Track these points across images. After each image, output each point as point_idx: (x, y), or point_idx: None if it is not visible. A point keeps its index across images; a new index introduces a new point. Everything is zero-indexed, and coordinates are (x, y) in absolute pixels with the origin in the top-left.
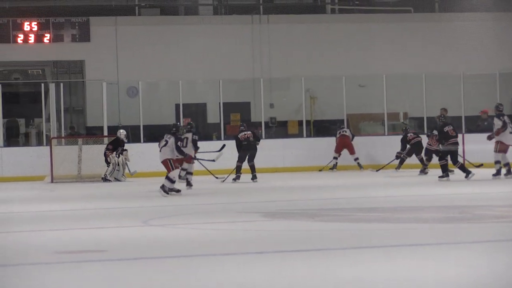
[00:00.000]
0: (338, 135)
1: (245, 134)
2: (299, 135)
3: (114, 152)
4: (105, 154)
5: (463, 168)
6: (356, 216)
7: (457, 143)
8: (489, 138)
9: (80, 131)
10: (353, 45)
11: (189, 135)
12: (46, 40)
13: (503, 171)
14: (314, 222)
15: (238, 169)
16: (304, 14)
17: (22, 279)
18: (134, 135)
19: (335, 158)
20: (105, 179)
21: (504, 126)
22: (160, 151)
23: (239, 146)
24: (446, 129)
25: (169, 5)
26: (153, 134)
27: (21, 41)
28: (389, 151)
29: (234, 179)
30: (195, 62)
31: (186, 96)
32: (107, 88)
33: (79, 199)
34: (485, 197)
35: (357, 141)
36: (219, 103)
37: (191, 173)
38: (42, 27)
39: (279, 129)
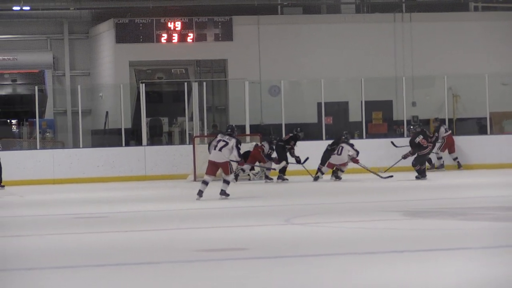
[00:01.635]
0: (446, 134)
1: None
2: None
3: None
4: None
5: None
6: (498, 215)
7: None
8: None
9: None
10: (496, 43)
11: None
12: (189, 39)
13: None
14: (456, 221)
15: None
16: (447, 12)
17: (166, 277)
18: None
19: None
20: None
21: None
22: (220, 150)
23: None
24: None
25: (311, 4)
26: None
27: (165, 41)
28: None
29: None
30: (337, 60)
31: (328, 94)
32: (249, 87)
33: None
34: None
35: (502, 139)
36: (361, 101)
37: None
38: (185, 27)
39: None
